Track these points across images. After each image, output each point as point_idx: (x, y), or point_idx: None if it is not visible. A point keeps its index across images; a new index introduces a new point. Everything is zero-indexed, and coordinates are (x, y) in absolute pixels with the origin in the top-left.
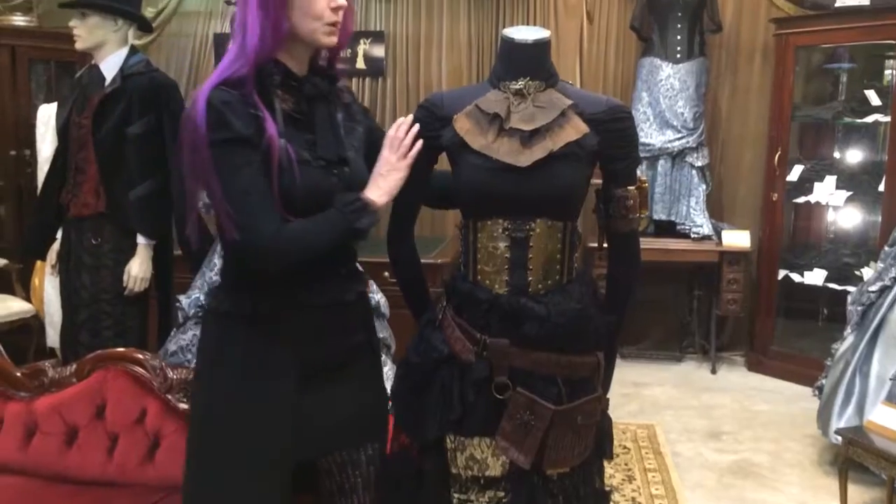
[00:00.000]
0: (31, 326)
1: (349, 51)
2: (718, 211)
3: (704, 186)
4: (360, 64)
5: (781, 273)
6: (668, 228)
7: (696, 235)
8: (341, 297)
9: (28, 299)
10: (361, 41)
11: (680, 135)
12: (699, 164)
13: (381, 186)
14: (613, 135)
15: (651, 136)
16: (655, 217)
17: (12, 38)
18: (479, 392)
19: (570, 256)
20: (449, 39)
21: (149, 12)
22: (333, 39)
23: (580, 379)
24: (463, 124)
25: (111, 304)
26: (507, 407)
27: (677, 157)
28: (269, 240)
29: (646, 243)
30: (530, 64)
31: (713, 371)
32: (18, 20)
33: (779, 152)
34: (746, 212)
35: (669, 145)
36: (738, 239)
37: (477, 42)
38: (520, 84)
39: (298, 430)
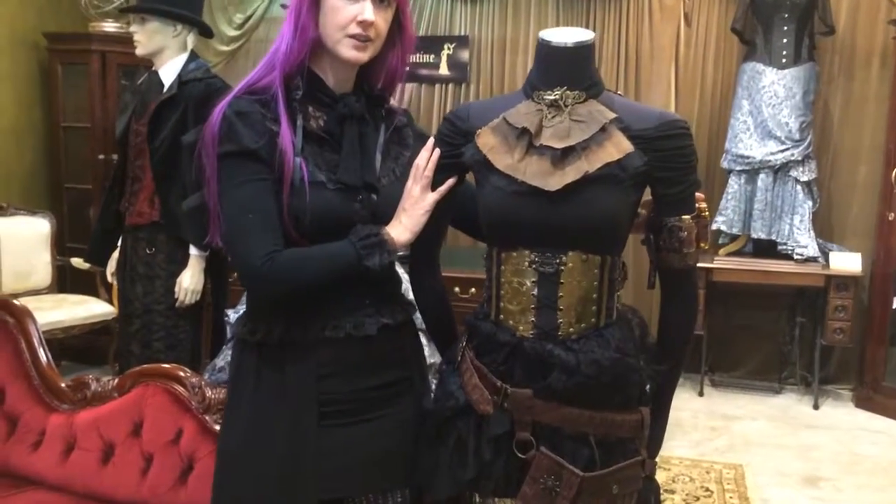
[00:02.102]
0: (112, 328)
1: (432, 56)
2: (827, 231)
3: (811, 203)
4: (444, 69)
5: None
6: (768, 248)
7: (799, 257)
8: (361, 330)
9: (111, 301)
10: (445, 46)
11: (784, 146)
12: (805, 178)
13: (404, 222)
14: (665, 154)
15: (751, 147)
16: (754, 235)
17: (103, 45)
18: (499, 449)
19: (610, 296)
20: (536, 44)
21: (237, 18)
22: (357, 55)
23: (618, 440)
24: (487, 140)
25: (163, 316)
26: (529, 468)
27: (780, 170)
28: (258, 264)
29: (743, 264)
30: (569, 71)
31: (815, 406)
32: (109, 27)
33: None
34: (858, 232)
35: (771, 158)
36: (848, 262)
37: None
38: (556, 94)
39: (319, 468)
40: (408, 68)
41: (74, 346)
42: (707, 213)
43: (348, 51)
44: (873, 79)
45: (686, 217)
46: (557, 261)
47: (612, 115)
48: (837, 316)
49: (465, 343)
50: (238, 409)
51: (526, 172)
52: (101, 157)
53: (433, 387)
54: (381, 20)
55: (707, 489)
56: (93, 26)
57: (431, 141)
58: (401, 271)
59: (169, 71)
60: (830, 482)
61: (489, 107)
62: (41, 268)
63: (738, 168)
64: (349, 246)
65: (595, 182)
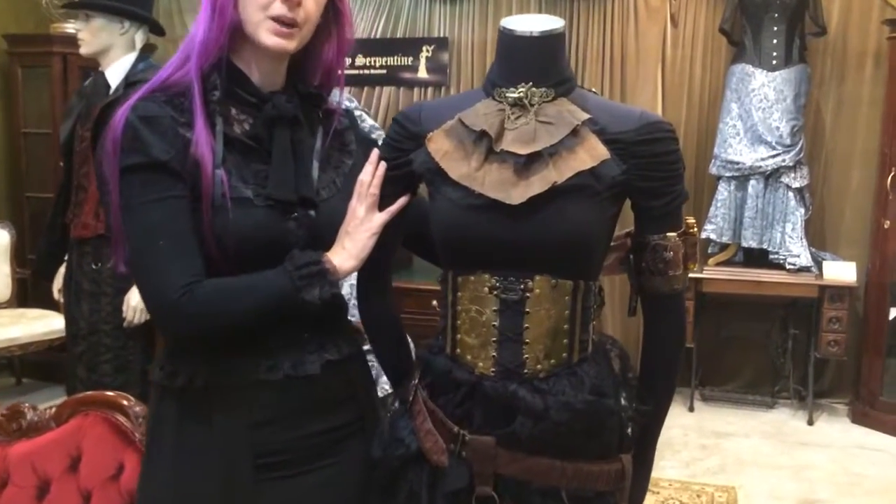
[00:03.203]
0: None
1: (410, 58)
2: (819, 239)
3: (803, 211)
4: (423, 73)
5: (893, 312)
6: (759, 258)
7: (791, 266)
8: (301, 369)
9: None
10: (424, 48)
11: (774, 152)
12: (797, 185)
13: (348, 248)
14: (647, 161)
15: (741, 152)
16: (745, 244)
17: (65, 46)
18: None
19: (584, 326)
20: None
21: None
22: (280, 42)
23: (595, 494)
24: (440, 145)
25: (110, 337)
26: None
27: (771, 176)
28: (172, 298)
29: (734, 274)
30: (535, 64)
31: (810, 421)
32: (71, 28)
33: (892, 173)
34: (853, 241)
35: (762, 163)
36: (842, 271)
37: None
38: (520, 91)
39: None
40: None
41: (37, 362)
42: (696, 230)
43: (269, 37)
44: (866, 81)
45: (672, 234)
46: (522, 286)
47: (586, 116)
48: (832, 328)
49: (417, 381)
50: (157, 469)
51: (484, 183)
52: (62, 164)
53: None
54: (312, 2)
55: None
56: (54, 27)
57: (376, 153)
58: (346, 291)
59: (116, 72)
60: None
61: (444, 106)
62: (0, 280)
63: (728, 174)
64: (284, 276)
65: (565, 194)
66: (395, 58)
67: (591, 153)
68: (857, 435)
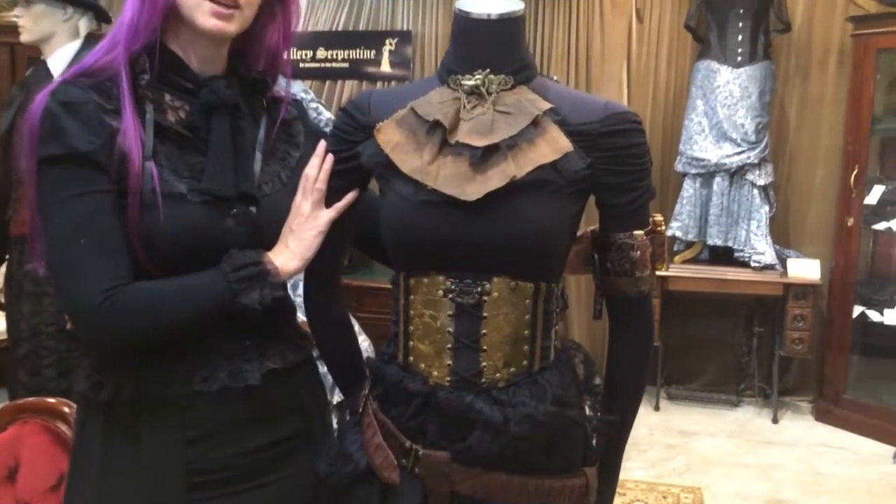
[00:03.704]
0: None
1: (373, 51)
2: (784, 237)
3: (767, 208)
4: (386, 66)
5: (857, 310)
6: (724, 256)
7: (756, 264)
8: (239, 380)
9: None
10: (387, 41)
11: (740, 149)
12: (761, 182)
13: (292, 247)
14: (612, 155)
15: (706, 149)
16: (710, 242)
17: (10, 36)
18: None
19: (546, 332)
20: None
21: None
22: (219, 25)
23: None
24: (390, 136)
25: (54, 339)
26: None
27: (736, 174)
28: (94, 304)
29: (699, 271)
30: (493, 50)
31: (774, 420)
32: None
33: (855, 170)
34: (817, 238)
35: (727, 161)
36: (806, 269)
37: None
38: (476, 79)
39: None
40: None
41: None
42: (663, 228)
43: (207, 19)
44: (830, 78)
45: (639, 233)
46: (479, 289)
47: (547, 106)
48: (796, 325)
49: (367, 391)
50: (80, 493)
51: (438, 177)
52: None
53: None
54: None
55: None
56: (1, 17)
57: (322, 145)
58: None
59: (58, 60)
60: None
61: (396, 95)
62: None
63: (694, 171)
64: (220, 279)
65: (525, 189)
66: (358, 51)
67: (553, 146)
68: (821, 433)
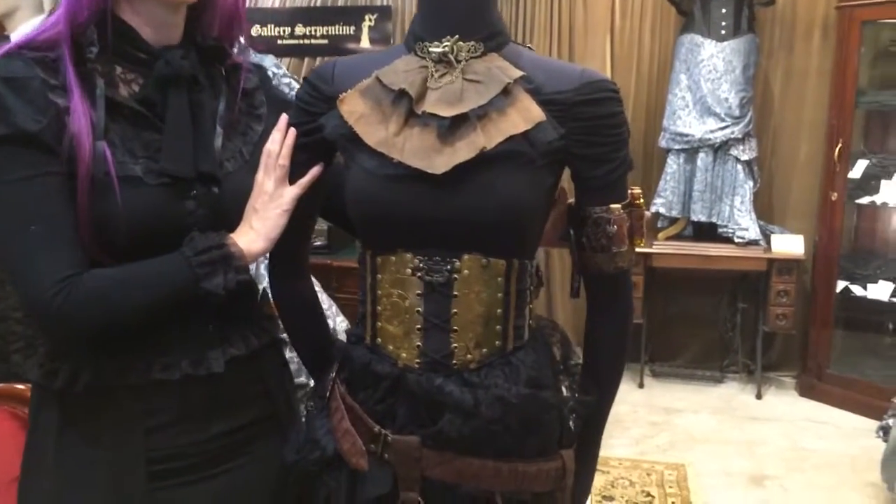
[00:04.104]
0: None
1: (352, 27)
2: (768, 212)
3: (751, 184)
4: (365, 42)
5: (840, 285)
6: (708, 231)
7: (740, 240)
8: (202, 368)
9: None
10: (366, 17)
11: (724, 124)
12: (745, 157)
13: (256, 227)
14: (588, 125)
15: (690, 124)
16: (694, 218)
17: None
18: None
19: (519, 311)
20: None
21: None
22: None
23: (534, 496)
24: (354, 106)
25: (21, 324)
26: None
27: (720, 149)
28: (48, 294)
29: (683, 248)
30: (462, 15)
31: (758, 395)
32: None
33: (839, 145)
34: (800, 214)
35: (711, 136)
36: (790, 245)
37: None
38: (444, 46)
39: None
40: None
41: None
42: (642, 201)
43: None
44: (814, 52)
45: (615, 206)
46: (449, 267)
47: (519, 74)
48: (780, 301)
49: (335, 374)
50: (36, 481)
51: (404, 150)
52: None
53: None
54: None
55: (648, 493)
56: None
57: (284, 119)
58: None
59: (22, 35)
60: (777, 481)
61: (361, 64)
62: None
63: (677, 147)
64: (181, 263)
65: (495, 162)
66: (337, 27)
67: (525, 115)
68: (804, 408)
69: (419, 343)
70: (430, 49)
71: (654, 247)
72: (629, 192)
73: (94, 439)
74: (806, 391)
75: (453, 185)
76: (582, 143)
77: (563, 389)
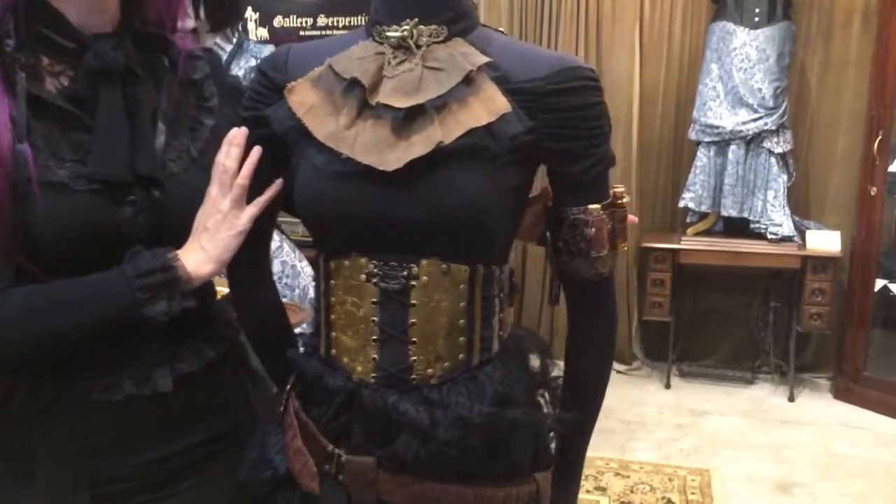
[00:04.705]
0: None
1: (354, 19)
2: (803, 207)
3: (786, 177)
4: None
5: (879, 283)
6: (739, 227)
7: (773, 236)
8: (147, 387)
9: None
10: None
11: (756, 115)
12: (779, 150)
13: (207, 248)
14: (561, 117)
15: (721, 116)
16: (724, 213)
17: None
18: None
19: (486, 321)
20: (487, 1)
21: None
22: None
23: None
24: (304, 97)
25: None
26: None
27: (752, 141)
28: None
29: (713, 244)
30: None
31: (791, 398)
32: None
33: (880, 137)
34: (838, 209)
35: (743, 128)
36: (826, 241)
37: (520, 4)
38: (403, 29)
39: None
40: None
41: None
42: (626, 200)
43: None
44: (854, 40)
45: (594, 206)
46: (405, 273)
47: (484, 60)
48: (814, 300)
49: (289, 387)
50: None
51: (355, 144)
52: None
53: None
54: None
55: (669, 500)
56: None
57: (243, 132)
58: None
59: None
60: (805, 489)
61: (317, 50)
62: None
63: (707, 139)
64: (121, 285)
65: (453, 157)
66: (359, 17)
67: (488, 106)
68: (839, 412)
69: (375, 356)
70: (388, 34)
71: (682, 243)
72: (612, 191)
73: (34, 459)
74: (841, 394)
75: (407, 184)
76: (555, 137)
77: (544, 405)
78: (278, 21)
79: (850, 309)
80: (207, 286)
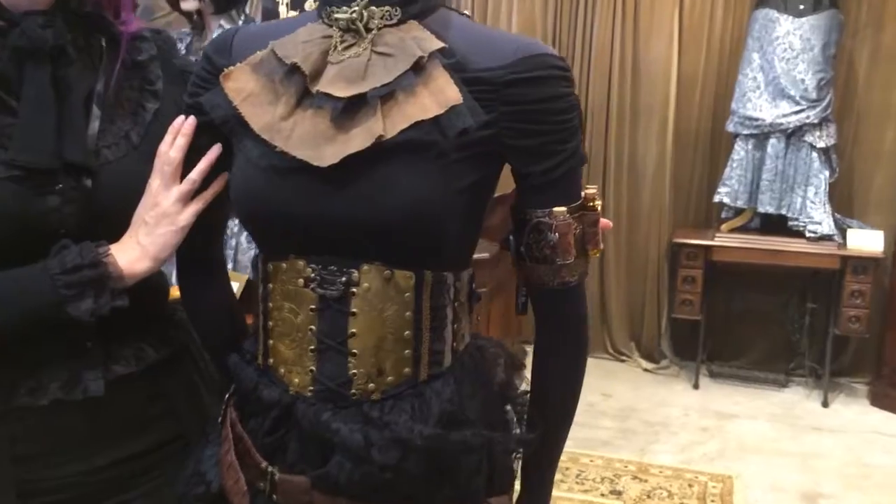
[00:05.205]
0: None
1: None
2: (846, 205)
3: (827, 173)
4: None
5: None
6: (777, 224)
7: (812, 234)
8: (77, 392)
9: None
10: None
11: (798, 107)
12: (821, 144)
13: (144, 243)
14: (522, 110)
15: (760, 108)
16: (761, 210)
17: None
18: None
19: (437, 333)
20: None
21: None
22: None
23: None
24: (243, 83)
25: None
26: None
27: (793, 135)
28: None
29: (748, 241)
30: None
31: (825, 403)
32: None
33: None
34: (882, 207)
35: (784, 120)
36: (868, 241)
37: None
38: (352, 11)
39: None
40: None
41: None
42: (598, 203)
43: None
44: None
45: (560, 209)
46: (345, 279)
47: (438, 45)
48: (853, 302)
49: (227, 396)
50: None
51: (291, 137)
52: None
53: None
54: None
55: None
56: None
57: (181, 120)
58: None
59: None
60: (832, 500)
61: (266, 33)
62: None
63: (746, 132)
64: (45, 281)
65: (396, 153)
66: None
67: (438, 97)
68: (875, 419)
69: (313, 367)
70: (337, 15)
71: (716, 239)
72: (583, 192)
73: None
74: (878, 400)
75: (345, 181)
76: (516, 133)
77: (515, 425)
78: (309, 4)
79: (891, 312)
80: (157, 282)
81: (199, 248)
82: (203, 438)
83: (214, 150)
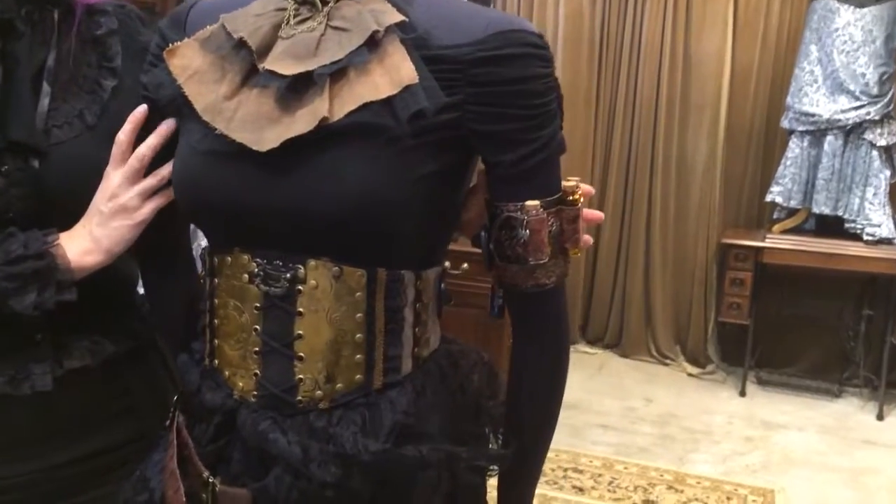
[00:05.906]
0: None
1: None
2: None
3: (888, 173)
4: None
5: None
6: (832, 226)
7: (870, 238)
8: (24, 387)
9: None
10: None
11: (858, 103)
12: (883, 142)
13: (96, 235)
14: (491, 91)
15: (818, 103)
16: (816, 210)
17: None
18: None
19: (394, 336)
20: None
21: None
22: None
23: None
24: (189, 60)
25: None
26: None
27: (852, 132)
28: None
29: (802, 243)
30: None
31: (880, 416)
32: None
33: None
34: None
35: (842, 116)
36: None
37: None
38: None
39: None
40: None
41: None
42: (580, 196)
43: None
44: None
45: (532, 203)
46: (290, 275)
47: (397, 19)
48: None
49: (176, 398)
50: None
51: (233, 118)
52: None
53: None
54: None
55: None
56: None
57: (140, 109)
58: None
59: None
60: None
61: (222, 7)
62: None
63: (801, 128)
64: None
65: (344, 138)
66: None
67: (392, 75)
68: None
69: (257, 371)
70: None
71: (767, 241)
72: (562, 184)
73: None
74: None
75: (287, 168)
76: (483, 117)
77: (492, 438)
78: None
79: None
80: (123, 271)
81: (158, 239)
82: (155, 441)
83: (165, 125)
